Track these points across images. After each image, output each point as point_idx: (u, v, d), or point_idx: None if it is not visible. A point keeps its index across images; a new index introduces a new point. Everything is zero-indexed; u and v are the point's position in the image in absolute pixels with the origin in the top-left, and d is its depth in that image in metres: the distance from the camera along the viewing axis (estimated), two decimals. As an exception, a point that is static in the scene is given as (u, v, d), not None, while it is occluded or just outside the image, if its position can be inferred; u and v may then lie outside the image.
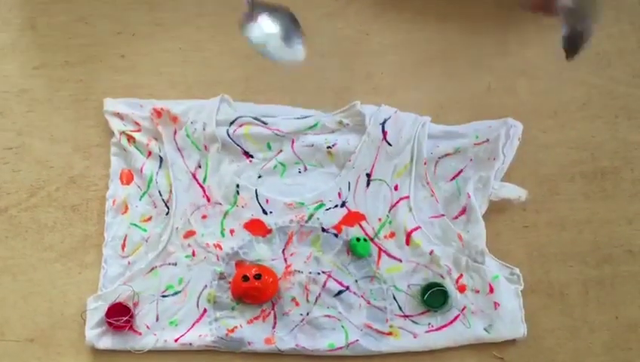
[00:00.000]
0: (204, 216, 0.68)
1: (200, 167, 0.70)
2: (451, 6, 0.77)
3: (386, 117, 0.70)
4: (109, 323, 0.64)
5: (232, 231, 0.68)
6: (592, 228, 0.70)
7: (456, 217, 0.69)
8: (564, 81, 0.74)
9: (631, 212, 0.70)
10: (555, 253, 0.69)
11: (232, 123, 0.71)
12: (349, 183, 0.69)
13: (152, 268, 0.67)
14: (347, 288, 0.67)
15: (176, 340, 0.65)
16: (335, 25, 0.77)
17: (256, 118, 0.71)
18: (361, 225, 0.68)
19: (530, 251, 0.69)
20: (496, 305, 0.65)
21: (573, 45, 0.61)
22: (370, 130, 0.70)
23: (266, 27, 0.64)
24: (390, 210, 0.69)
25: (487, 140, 0.70)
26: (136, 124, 0.71)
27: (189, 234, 0.68)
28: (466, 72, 0.75)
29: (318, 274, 0.67)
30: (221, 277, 0.67)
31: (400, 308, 0.66)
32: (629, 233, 0.69)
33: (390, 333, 0.65)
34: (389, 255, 0.67)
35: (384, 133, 0.70)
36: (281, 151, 0.71)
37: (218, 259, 0.67)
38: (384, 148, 0.70)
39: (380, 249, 0.68)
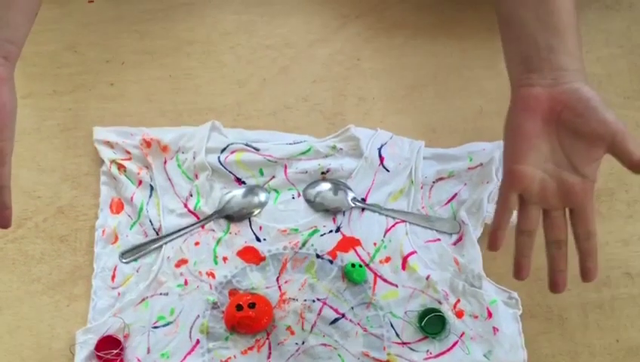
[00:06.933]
0: (196, 243, 0.67)
1: (192, 195, 0.69)
2: (442, 30, 0.78)
3: (383, 142, 0.70)
4: (99, 357, 0.62)
5: (225, 259, 0.67)
6: (588, 250, 0.69)
7: (455, 244, 0.68)
8: (555, 104, 0.74)
9: (627, 233, 0.70)
10: (552, 276, 0.68)
11: (223, 150, 0.70)
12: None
13: (143, 299, 0.65)
14: (343, 315, 0.65)
15: (168, 373, 0.63)
16: (326, 50, 0.77)
17: (247, 145, 0.70)
18: (356, 251, 0.67)
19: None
20: (495, 330, 0.64)
21: None
22: (367, 155, 0.69)
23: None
24: (385, 234, 0.68)
25: (481, 164, 0.70)
26: (127, 152, 0.70)
27: (181, 262, 0.66)
28: (458, 95, 0.75)
29: (313, 301, 0.65)
30: (214, 306, 0.65)
31: (397, 335, 0.65)
32: (626, 255, 0.69)
33: (388, 361, 0.64)
34: (384, 280, 0.66)
35: (381, 158, 0.69)
36: (273, 177, 0.70)
37: (211, 288, 0.66)
38: (381, 174, 0.69)
39: (375, 274, 0.67)
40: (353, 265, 0.66)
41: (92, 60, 0.76)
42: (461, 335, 0.65)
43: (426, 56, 0.77)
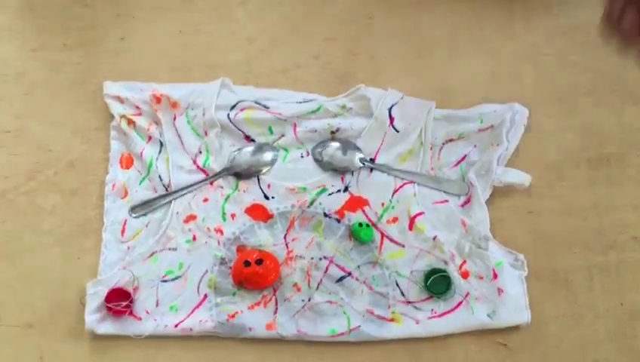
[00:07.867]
0: (205, 200, 0.68)
1: (200, 152, 0.69)
2: (456, -11, 0.77)
3: (393, 102, 0.70)
4: (109, 309, 0.64)
5: (233, 216, 0.67)
6: (597, 214, 0.69)
7: (463, 205, 0.68)
8: (569, 67, 0.74)
9: (636, 198, 0.69)
10: (559, 239, 0.68)
11: (233, 107, 0.70)
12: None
13: (152, 253, 0.66)
14: (349, 274, 0.66)
15: (176, 326, 0.64)
16: (338, 8, 0.76)
17: (257, 102, 0.70)
18: (363, 210, 0.67)
19: (535, 237, 0.68)
20: (499, 291, 0.65)
21: None
22: (377, 115, 0.69)
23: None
24: (393, 194, 0.68)
25: (492, 126, 0.69)
26: (137, 108, 0.70)
27: (190, 218, 0.67)
28: (471, 56, 0.74)
29: (320, 259, 0.66)
30: (222, 262, 0.66)
31: (402, 294, 0.66)
32: (635, 220, 0.69)
33: (392, 319, 0.65)
34: (391, 240, 0.67)
35: (391, 118, 0.69)
36: (282, 135, 0.70)
37: (219, 244, 0.66)
38: (390, 134, 0.69)
39: (382, 234, 0.67)
40: (360, 225, 0.66)
41: (102, 14, 0.75)
42: (466, 296, 0.65)
43: (439, 16, 0.76)
